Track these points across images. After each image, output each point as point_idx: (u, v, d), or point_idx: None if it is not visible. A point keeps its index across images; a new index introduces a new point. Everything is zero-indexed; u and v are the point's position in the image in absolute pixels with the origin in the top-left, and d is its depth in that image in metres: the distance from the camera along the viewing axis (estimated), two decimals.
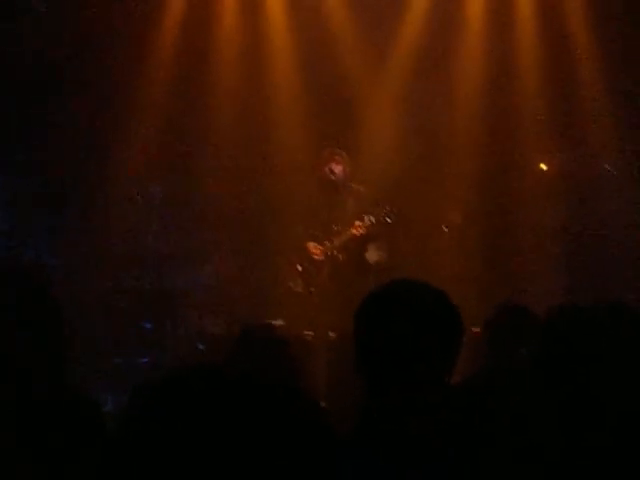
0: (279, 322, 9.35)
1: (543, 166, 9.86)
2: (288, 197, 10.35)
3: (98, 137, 9.28)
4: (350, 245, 9.73)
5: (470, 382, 4.39)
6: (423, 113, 10.47)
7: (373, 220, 9.53)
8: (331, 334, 9.04)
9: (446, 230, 10.15)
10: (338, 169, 9.71)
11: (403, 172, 10.48)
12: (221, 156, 10.53)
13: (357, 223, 9.54)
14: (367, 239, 9.95)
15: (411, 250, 10.59)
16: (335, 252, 9.81)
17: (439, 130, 10.48)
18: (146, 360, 9.39)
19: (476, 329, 5.81)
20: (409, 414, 2.28)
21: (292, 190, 10.31)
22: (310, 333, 9.35)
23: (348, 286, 9.34)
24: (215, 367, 1.55)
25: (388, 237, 10.31)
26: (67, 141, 9.36)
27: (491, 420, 2.61)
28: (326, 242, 9.80)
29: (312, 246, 9.80)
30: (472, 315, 5.29)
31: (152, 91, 9.46)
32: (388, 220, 9.45)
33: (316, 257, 9.77)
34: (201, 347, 9.39)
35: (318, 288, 9.73)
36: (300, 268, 9.82)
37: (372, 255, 10.19)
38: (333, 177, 9.72)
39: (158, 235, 10.00)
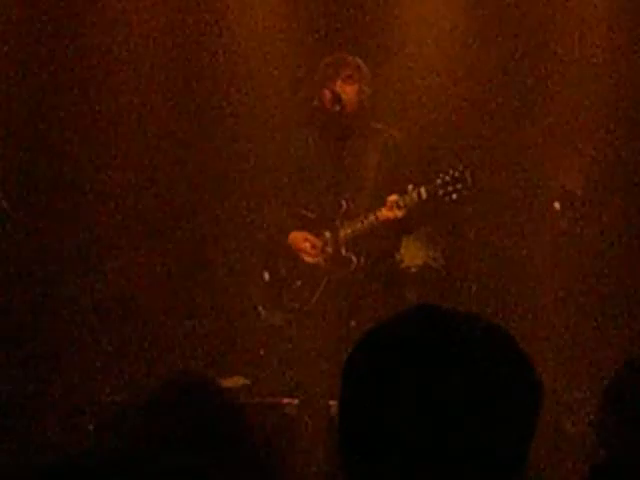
0: (239, 381, 6.22)
1: None
2: (260, 150, 6.40)
3: None
4: (371, 238, 5.66)
5: None
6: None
7: (423, 193, 5.37)
8: (331, 403, 5.64)
9: (557, 208, 5.77)
10: (350, 91, 5.59)
11: (470, 105, 6.35)
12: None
13: (391, 199, 5.49)
14: (402, 227, 5.64)
15: (483, 249, 6.25)
16: (343, 250, 5.67)
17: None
18: None
19: None
20: None
21: (267, 138, 6.35)
22: (293, 401, 5.90)
23: (365, 312, 5.64)
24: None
25: (443, 223, 6.12)
26: None
27: None
28: (325, 232, 5.77)
29: (301, 239, 5.80)
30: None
31: None
32: (452, 193, 5.29)
33: (308, 259, 5.80)
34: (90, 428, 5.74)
35: (310, 316, 5.77)
36: (268, 277, 5.81)
37: (411, 255, 5.87)
38: (340, 107, 5.55)
39: None
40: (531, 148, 6.17)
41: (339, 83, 5.56)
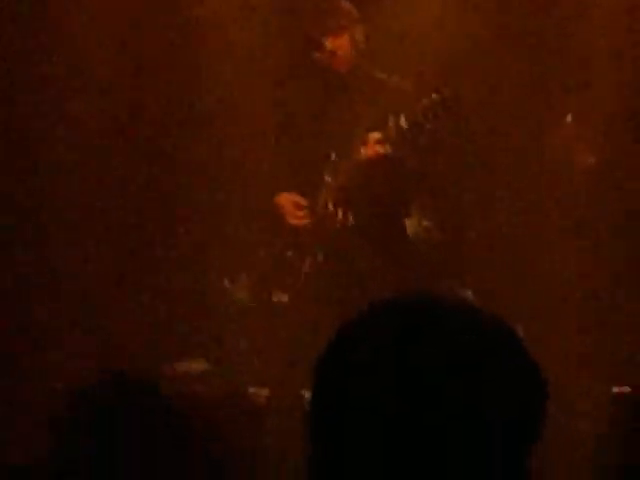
0: (198, 365, 5.55)
1: None
2: (244, 105, 5.62)
3: None
4: (365, 193, 5.13)
5: None
6: None
7: (403, 122, 4.91)
8: (306, 394, 4.96)
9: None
10: (342, 45, 5.14)
11: (475, 47, 5.64)
12: None
13: (372, 135, 5.06)
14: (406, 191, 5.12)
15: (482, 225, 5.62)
16: (330, 205, 5.14)
17: None
18: None
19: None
20: None
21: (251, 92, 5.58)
22: (261, 391, 5.27)
23: (360, 284, 5.02)
24: None
25: (440, 193, 5.42)
26: None
27: None
28: (313, 190, 5.27)
29: (286, 200, 5.27)
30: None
31: None
32: (434, 119, 4.85)
33: (293, 221, 5.28)
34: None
35: (293, 291, 5.16)
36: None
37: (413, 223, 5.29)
38: (332, 59, 5.11)
39: None
40: (538, 114, 5.66)
41: (330, 39, 5.04)
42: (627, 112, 5.65)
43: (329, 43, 5.03)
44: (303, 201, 5.22)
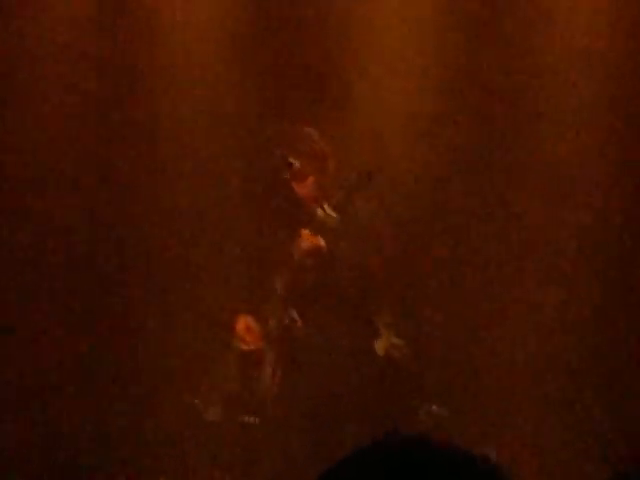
0: None
1: None
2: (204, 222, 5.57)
3: None
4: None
5: None
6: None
7: (328, 210, 4.72)
8: None
9: None
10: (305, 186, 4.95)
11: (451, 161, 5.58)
12: None
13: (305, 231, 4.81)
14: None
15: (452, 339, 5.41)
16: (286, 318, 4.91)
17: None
18: None
19: None
20: None
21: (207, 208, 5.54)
22: None
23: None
24: None
25: (407, 307, 5.19)
26: None
27: None
28: (270, 320, 4.97)
29: (243, 325, 4.98)
30: None
31: None
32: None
33: (244, 346, 4.97)
34: None
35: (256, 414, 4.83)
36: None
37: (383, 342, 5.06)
38: (300, 189, 4.95)
39: None
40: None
41: (301, 184, 4.84)
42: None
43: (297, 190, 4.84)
44: (255, 325, 4.94)
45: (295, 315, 4.81)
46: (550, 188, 5.49)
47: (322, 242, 4.71)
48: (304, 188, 4.85)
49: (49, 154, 5.71)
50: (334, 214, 4.69)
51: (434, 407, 5.13)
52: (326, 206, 4.66)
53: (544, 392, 5.36)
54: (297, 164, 4.76)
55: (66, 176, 5.70)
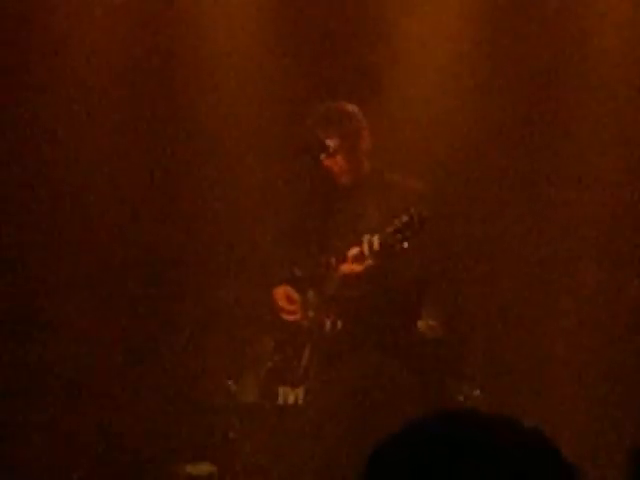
0: (204, 468, 5.18)
1: None
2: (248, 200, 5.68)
3: None
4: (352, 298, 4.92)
5: None
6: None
7: (375, 244, 4.68)
8: None
9: None
10: (339, 162, 4.94)
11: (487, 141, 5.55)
12: None
13: (351, 252, 4.80)
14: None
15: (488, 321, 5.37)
16: (315, 311, 4.94)
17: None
18: None
19: None
20: None
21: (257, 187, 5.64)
22: None
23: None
24: None
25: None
26: None
27: None
28: (309, 290, 4.96)
29: (281, 295, 5.01)
30: None
31: None
32: (403, 241, 4.61)
33: (287, 317, 4.99)
34: None
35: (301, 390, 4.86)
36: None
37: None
38: (329, 163, 4.91)
39: None
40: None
41: (331, 159, 4.85)
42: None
43: (332, 166, 4.88)
44: (295, 295, 4.97)
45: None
46: (590, 167, 5.46)
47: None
48: (336, 164, 4.89)
49: (94, 147, 5.81)
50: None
51: (476, 391, 5.12)
52: (375, 239, 4.66)
53: (583, 378, 5.33)
54: (332, 144, 4.80)
55: (109, 171, 5.80)
